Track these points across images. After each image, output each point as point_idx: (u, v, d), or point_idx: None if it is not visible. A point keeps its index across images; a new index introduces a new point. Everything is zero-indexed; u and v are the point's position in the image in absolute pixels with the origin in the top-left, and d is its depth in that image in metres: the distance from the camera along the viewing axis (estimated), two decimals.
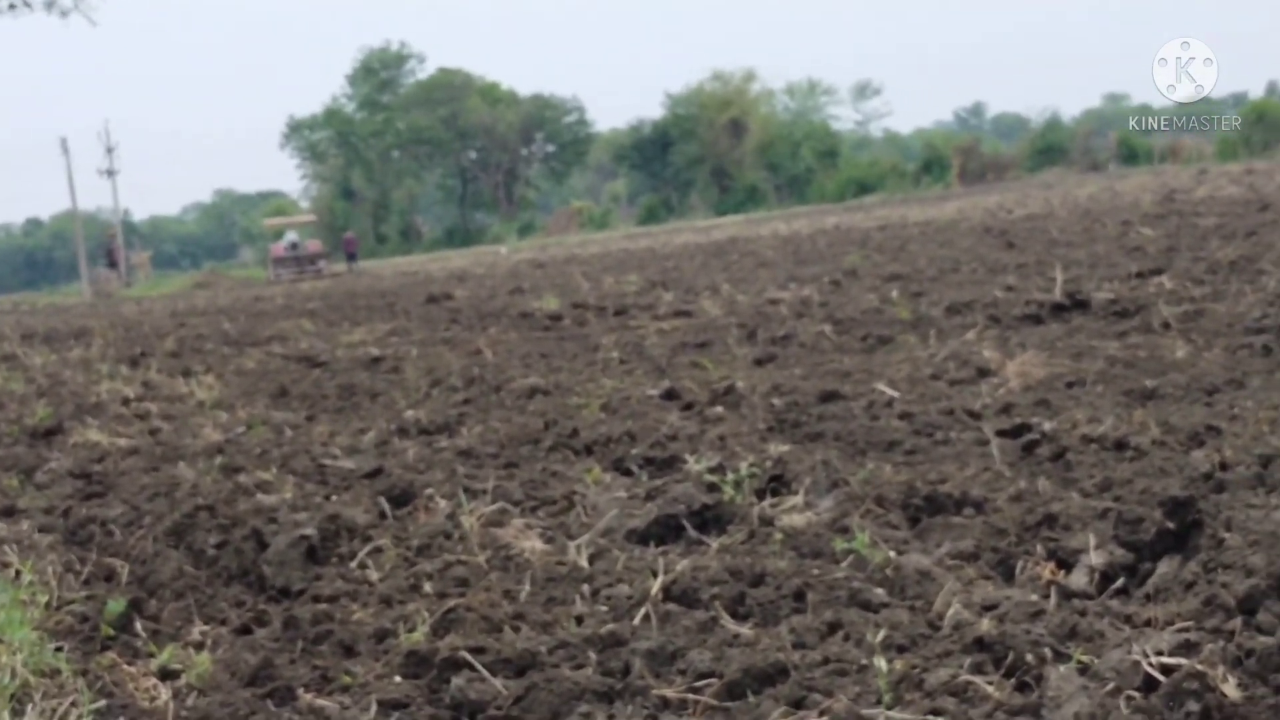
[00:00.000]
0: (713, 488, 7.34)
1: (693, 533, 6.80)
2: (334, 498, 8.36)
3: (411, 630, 5.58)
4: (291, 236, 76.24)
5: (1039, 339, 12.20)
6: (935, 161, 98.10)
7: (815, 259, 26.98)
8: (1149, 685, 4.16)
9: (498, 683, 4.85)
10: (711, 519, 6.94)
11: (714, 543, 6.59)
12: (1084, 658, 4.45)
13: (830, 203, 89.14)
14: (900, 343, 13.08)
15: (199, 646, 5.87)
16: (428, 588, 6.21)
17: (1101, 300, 13.82)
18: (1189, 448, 7.26)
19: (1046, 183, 70.27)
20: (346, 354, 17.53)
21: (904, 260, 23.32)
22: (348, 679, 5.18)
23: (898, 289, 17.77)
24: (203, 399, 14.12)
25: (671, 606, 5.54)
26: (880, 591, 5.50)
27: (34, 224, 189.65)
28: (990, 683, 4.35)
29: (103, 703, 5.11)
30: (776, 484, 7.47)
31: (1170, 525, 5.70)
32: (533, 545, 6.78)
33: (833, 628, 5.10)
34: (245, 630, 6.09)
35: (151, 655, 5.79)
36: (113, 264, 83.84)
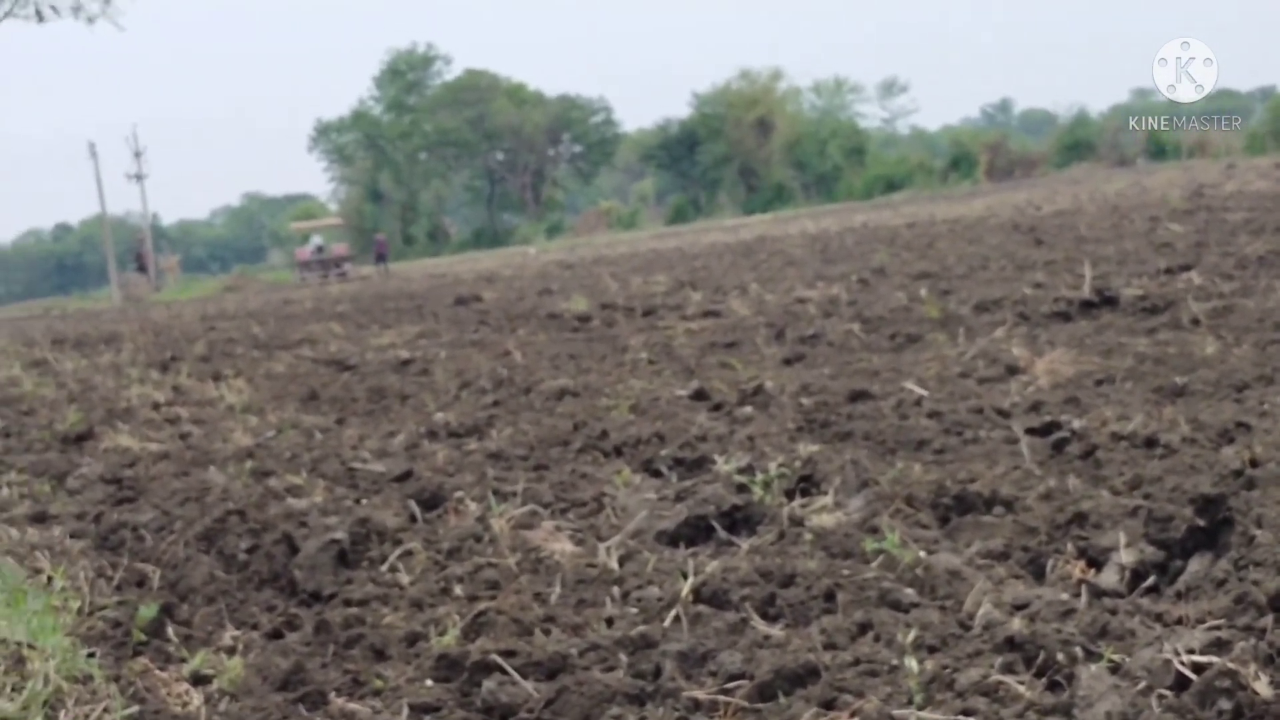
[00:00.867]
0: (742, 488, 7.35)
1: (723, 534, 6.81)
2: (364, 501, 8.38)
3: (442, 633, 5.59)
4: (317, 240, 76.61)
5: (1068, 336, 12.17)
6: (963, 158, 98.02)
7: (843, 257, 26.94)
8: (1180, 684, 4.15)
9: (529, 685, 4.86)
10: (741, 520, 6.94)
11: (744, 544, 6.59)
12: (1115, 657, 4.44)
13: (858, 201, 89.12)
14: (929, 341, 13.05)
15: (230, 651, 5.89)
16: (458, 591, 6.22)
17: (1130, 297, 13.78)
18: (1219, 445, 7.24)
19: (1074, 179, 70.10)
20: (376, 357, 17.57)
21: (932, 258, 23.26)
22: (379, 683, 5.19)
23: (926, 287, 17.72)
24: (233, 403, 14.17)
25: (702, 608, 5.54)
26: (910, 591, 5.49)
27: (63, 229, 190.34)
28: (1021, 682, 4.35)
29: (135, 708, 5.13)
30: (806, 484, 7.47)
31: (1201, 523, 5.67)
32: (563, 547, 6.79)
33: (863, 628, 5.10)
34: (276, 635, 6.11)
35: (183, 660, 5.82)
36: (142, 268, 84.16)
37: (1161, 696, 4.11)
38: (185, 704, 5.29)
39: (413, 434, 10.79)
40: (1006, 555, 5.96)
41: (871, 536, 6.27)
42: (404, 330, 21.44)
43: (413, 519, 7.78)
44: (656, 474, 8.47)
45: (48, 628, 6.03)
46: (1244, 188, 33.75)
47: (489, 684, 4.87)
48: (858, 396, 10.08)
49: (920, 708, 4.29)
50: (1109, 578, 5.53)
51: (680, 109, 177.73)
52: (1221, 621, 4.66)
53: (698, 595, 5.70)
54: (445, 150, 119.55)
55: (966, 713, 4.21)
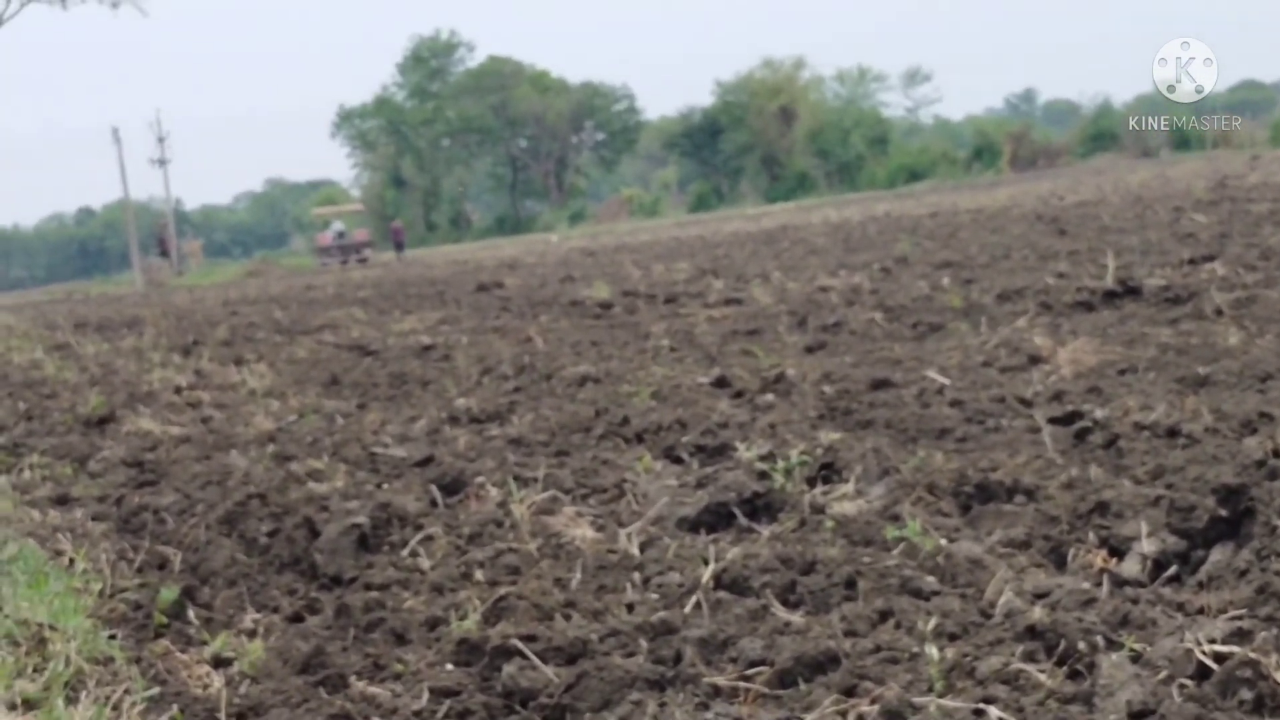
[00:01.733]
0: (763, 475, 7.34)
1: (743, 520, 6.81)
2: (385, 486, 8.39)
3: (463, 618, 5.60)
4: (338, 225, 76.86)
5: (1090, 326, 12.14)
6: (986, 148, 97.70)
7: (866, 246, 26.91)
8: (1202, 673, 4.14)
9: (549, 670, 4.86)
10: (762, 507, 6.94)
11: (765, 530, 6.60)
12: (1136, 646, 4.43)
13: (881, 190, 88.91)
14: (951, 330, 13.03)
15: (251, 634, 5.91)
16: (479, 576, 6.22)
17: (1153, 287, 13.74)
18: (1241, 435, 7.22)
19: (1098, 169, 69.94)
20: (398, 342, 17.59)
21: (955, 247, 23.24)
22: (399, 666, 5.20)
23: (949, 276, 17.70)
24: (254, 387, 14.19)
25: (722, 594, 5.55)
26: (931, 579, 5.49)
27: (86, 213, 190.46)
28: (1042, 671, 4.34)
29: (156, 690, 5.15)
30: (827, 472, 7.46)
31: (1223, 513, 5.66)
32: (583, 533, 6.80)
33: (884, 615, 5.10)
34: (297, 618, 6.12)
35: (204, 643, 5.83)
36: (164, 253, 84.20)
37: (1183, 686, 4.10)
38: (206, 686, 5.30)
39: (434, 419, 10.80)
40: (1028, 544, 5.95)
41: (893, 524, 6.27)
42: (426, 316, 21.44)
43: (434, 504, 7.79)
44: (678, 461, 8.47)
45: (69, 609, 6.05)
46: (1268, 179, 33.64)
47: (509, 668, 4.88)
48: (879, 385, 10.06)
49: (941, 695, 4.29)
50: (1130, 567, 5.52)
51: (703, 97, 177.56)
52: (1243, 611, 4.66)
53: (718, 582, 5.70)
54: (468, 137, 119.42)
55: (987, 701, 4.20)
